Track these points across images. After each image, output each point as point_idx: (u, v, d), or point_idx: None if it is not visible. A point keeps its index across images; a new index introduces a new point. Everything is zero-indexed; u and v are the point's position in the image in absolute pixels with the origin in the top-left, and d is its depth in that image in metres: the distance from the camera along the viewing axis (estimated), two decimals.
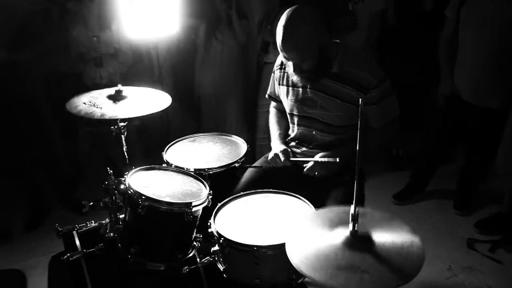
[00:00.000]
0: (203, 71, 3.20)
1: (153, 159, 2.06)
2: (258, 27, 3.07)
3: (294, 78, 1.64)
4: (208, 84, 3.21)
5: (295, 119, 1.82)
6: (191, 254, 1.46)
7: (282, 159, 1.73)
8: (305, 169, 1.66)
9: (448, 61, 2.47)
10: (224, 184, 1.89)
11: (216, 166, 1.88)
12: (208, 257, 1.50)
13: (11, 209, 2.87)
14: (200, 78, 3.26)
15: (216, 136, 2.23)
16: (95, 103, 1.73)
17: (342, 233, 1.12)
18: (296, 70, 1.60)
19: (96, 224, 1.56)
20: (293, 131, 1.87)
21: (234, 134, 3.18)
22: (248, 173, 1.88)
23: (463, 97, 2.42)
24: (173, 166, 1.89)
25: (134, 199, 1.34)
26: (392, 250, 1.06)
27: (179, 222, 1.36)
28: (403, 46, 3.06)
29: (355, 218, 1.09)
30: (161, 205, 1.34)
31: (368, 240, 1.10)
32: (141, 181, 1.45)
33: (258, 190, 1.67)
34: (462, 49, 2.38)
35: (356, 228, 1.10)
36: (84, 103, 1.73)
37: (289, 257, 1.08)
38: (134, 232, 1.42)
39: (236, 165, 1.93)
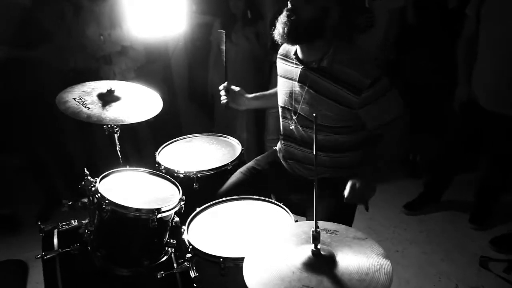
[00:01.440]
0: (216, 70, 3.18)
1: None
2: (271, 24, 2.99)
3: (278, 28, 1.52)
4: (221, 83, 3.17)
5: (284, 112, 1.73)
6: (162, 259, 1.42)
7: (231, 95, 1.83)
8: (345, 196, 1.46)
9: (467, 64, 2.29)
10: (213, 188, 1.85)
11: (206, 168, 1.84)
12: (184, 263, 1.46)
13: (26, 201, 2.97)
14: (213, 77, 3.24)
15: (213, 137, 2.19)
16: (84, 101, 1.73)
17: (306, 252, 1.04)
18: (291, 11, 1.48)
19: (77, 223, 1.56)
20: (282, 126, 1.78)
21: (246, 134, 3.19)
22: (236, 175, 1.82)
23: (481, 103, 2.23)
24: (162, 167, 1.88)
25: (100, 202, 1.32)
26: (354, 275, 0.97)
27: (144, 228, 1.33)
28: (423, 46, 2.88)
29: (316, 237, 1.01)
30: (124, 210, 1.31)
31: (331, 261, 1.01)
32: (112, 184, 1.43)
33: (241, 196, 1.61)
34: (482, 51, 2.20)
35: (318, 247, 1.02)
36: (74, 99, 1.73)
37: (244, 272, 1.02)
38: (101, 236, 1.41)
39: (228, 168, 1.89)
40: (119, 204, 1.30)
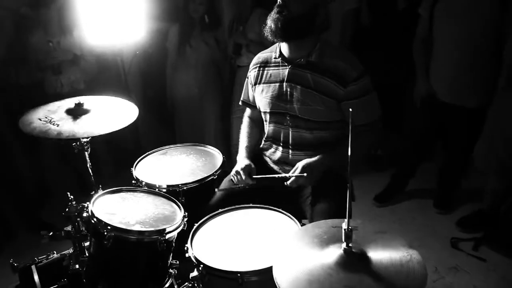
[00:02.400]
0: (176, 77, 3.06)
1: (123, 175, 1.90)
2: (229, 29, 2.96)
3: (270, 25, 1.52)
4: (182, 90, 3.07)
5: (270, 117, 1.71)
6: (167, 284, 1.31)
7: (243, 177, 1.62)
8: (288, 182, 1.54)
9: (423, 61, 2.44)
10: (200, 200, 1.76)
11: (190, 181, 1.75)
12: (186, 283, 1.36)
13: None
14: (172, 84, 3.11)
15: (189, 147, 2.09)
16: (51, 119, 1.56)
17: (334, 252, 1.02)
18: (282, 7, 1.48)
19: (58, 255, 1.38)
20: (268, 130, 1.77)
21: (213, 141, 3.10)
22: (223, 186, 1.75)
23: (439, 97, 2.40)
24: (143, 183, 1.75)
25: (99, 229, 1.18)
26: (390, 268, 0.97)
27: (152, 251, 1.22)
28: (378, 46, 3.02)
29: (348, 235, 0.99)
30: (130, 235, 1.19)
31: (364, 258, 1.00)
32: (107, 207, 1.29)
33: (237, 206, 1.55)
34: (437, 47, 2.36)
35: (350, 245, 1.00)
36: (40, 119, 1.55)
37: (277, 283, 0.97)
38: (100, 266, 1.26)
39: (213, 177, 1.81)
40: (123, 229, 1.17)
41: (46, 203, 2.85)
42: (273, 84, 1.66)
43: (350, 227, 1.00)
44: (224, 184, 1.76)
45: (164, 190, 1.71)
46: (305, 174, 1.51)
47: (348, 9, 2.89)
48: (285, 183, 1.55)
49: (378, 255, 1.01)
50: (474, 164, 2.46)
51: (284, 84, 1.61)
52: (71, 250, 1.38)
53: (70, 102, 1.70)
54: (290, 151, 1.68)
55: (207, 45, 2.91)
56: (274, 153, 1.75)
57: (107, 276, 1.23)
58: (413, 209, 2.75)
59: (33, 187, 2.84)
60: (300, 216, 1.63)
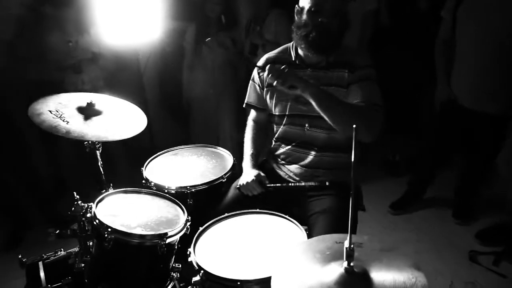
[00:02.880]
0: (192, 76, 3.06)
1: (136, 174, 1.91)
2: (246, 29, 2.94)
3: (300, 41, 1.57)
4: (198, 90, 3.08)
5: (286, 119, 1.71)
6: (170, 286, 1.31)
7: (256, 188, 1.63)
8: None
9: (444, 65, 2.35)
10: (209, 202, 1.76)
11: (199, 183, 1.74)
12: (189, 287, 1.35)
13: None
14: (188, 83, 3.12)
15: (200, 149, 2.08)
16: (61, 114, 1.56)
17: (335, 270, 0.98)
18: (321, 22, 1.51)
19: (65, 253, 1.40)
20: (279, 131, 1.76)
21: (228, 142, 3.09)
22: (233, 190, 1.73)
23: (460, 102, 2.29)
24: (152, 183, 1.75)
25: (100, 231, 1.19)
26: None
27: (152, 255, 1.22)
28: (398, 48, 2.94)
29: (350, 254, 0.95)
30: (131, 238, 1.18)
31: (366, 278, 0.96)
32: (109, 209, 1.30)
33: (243, 211, 1.52)
34: (459, 51, 2.26)
35: (351, 265, 0.96)
36: (50, 112, 1.56)
37: None
38: (101, 267, 1.27)
39: (222, 180, 1.80)
40: (124, 232, 1.17)
41: (63, 198, 2.91)
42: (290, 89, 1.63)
43: (352, 245, 0.95)
44: (232, 191, 1.74)
45: (173, 191, 1.71)
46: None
47: (367, 9, 2.82)
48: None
49: (381, 276, 0.96)
50: (498, 171, 2.35)
51: None
52: (77, 249, 1.39)
53: (81, 98, 1.69)
54: (300, 149, 1.69)
55: (223, 46, 2.90)
56: (283, 153, 1.74)
57: (108, 277, 1.24)
58: (430, 218, 2.65)
59: (50, 182, 2.91)
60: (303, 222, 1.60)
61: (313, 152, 1.67)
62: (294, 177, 1.72)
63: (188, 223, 1.35)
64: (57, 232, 1.38)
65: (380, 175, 3.11)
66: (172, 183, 1.74)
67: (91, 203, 1.29)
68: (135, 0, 2.30)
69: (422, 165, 2.74)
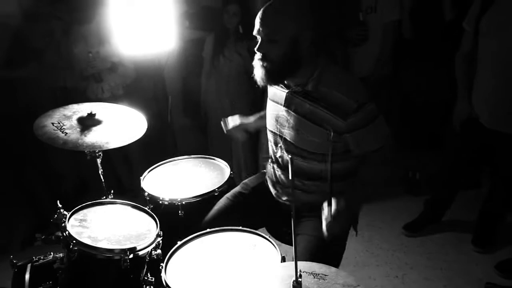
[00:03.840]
0: (209, 86, 3.12)
1: None
2: None
3: (257, 70, 1.46)
4: (214, 99, 3.12)
5: (269, 135, 1.65)
6: None
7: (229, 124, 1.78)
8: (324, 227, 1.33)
9: (465, 80, 2.19)
10: (200, 215, 1.76)
11: (191, 196, 1.75)
12: None
13: (13, 223, 2.87)
14: (206, 92, 3.17)
15: (200, 160, 2.10)
16: (62, 126, 1.65)
17: None
18: (260, 49, 1.41)
19: (51, 257, 1.47)
20: (270, 150, 1.70)
21: (241, 153, 3.10)
22: (222, 201, 1.73)
23: (482, 121, 2.13)
24: (146, 194, 1.79)
25: (68, 241, 1.23)
26: None
27: (116, 269, 1.23)
28: (420, 61, 2.80)
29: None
30: (93, 251, 1.21)
31: None
32: (84, 219, 1.34)
33: (226, 228, 1.51)
34: (481, 66, 2.10)
35: None
36: (52, 124, 1.65)
37: None
38: (70, 276, 1.31)
39: (215, 194, 1.80)
40: (87, 245, 1.21)
41: (81, 200, 3.06)
42: (276, 104, 1.60)
43: (298, 279, 0.91)
44: (220, 202, 1.73)
45: (166, 203, 1.74)
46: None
47: (388, 20, 2.72)
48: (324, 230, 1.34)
49: None
50: None
51: (282, 107, 1.53)
52: (62, 254, 1.45)
53: (85, 109, 1.77)
54: (284, 173, 1.60)
55: (240, 55, 2.92)
56: (272, 173, 1.69)
57: (75, 285, 1.28)
58: (446, 243, 2.48)
59: (72, 185, 3.06)
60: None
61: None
62: (282, 198, 1.66)
63: (159, 238, 1.36)
64: (43, 237, 1.45)
65: (397, 193, 2.97)
66: (166, 194, 1.77)
67: (65, 214, 1.34)
68: (155, 11, 2.37)
69: (440, 185, 2.57)
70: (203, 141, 3.43)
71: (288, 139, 1.53)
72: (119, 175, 3.24)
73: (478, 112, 2.15)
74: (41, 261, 1.48)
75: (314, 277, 1.03)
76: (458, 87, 2.24)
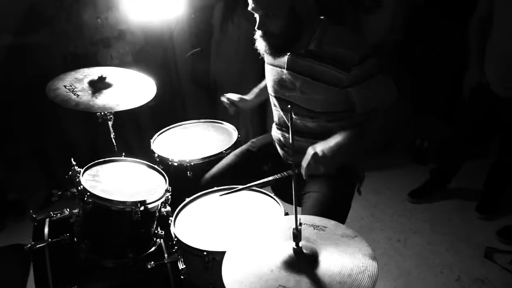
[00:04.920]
0: (218, 53, 3.10)
1: None
2: None
3: (259, 43, 1.46)
4: (223, 66, 3.12)
5: (275, 101, 1.67)
6: (150, 251, 1.41)
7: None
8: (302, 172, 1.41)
9: (478, 46, 2.15)
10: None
11: (199, 157, 1.81)
12: (175, 254, 1.44)
13: (32, 188, 3.00)
14: (216, 62, 3.17)
15: (209, 124, 2.14)
16: (74, 88, 1.70)
17: (288, 249, 1.00)
18: (260, 27, 1.41)
19: (68, 213, 1.55)
20: (275, 115, 1.73)
21: (249, 118, 3.13)
22: (229, 157, 1.78)
23: (493, 88, 2.11)
24: (156, 155, 1.85)
25: (82, 194, 1.30)
26: (336, 276, 0.92)
27: (128, 221, 1.31)
28: (433, 29, 2.73)
29: (296, 235, 0.96)
30: (106, 203, 1.29)
31: (313, 260, 0.97)
32: (97, 175, 1.41)
33: (230, 186, 1.56)
34: (495, 31, 2.05)
35: (300, 246, 0.97)
36: (64, 87, 1.70)
37: (222, 268, 0.99)
38: (85, 227, 1.40)
39: (222, 155, 1.85)
40: (101, 197, 1.28)
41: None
42: (276, 68, 1.61)
43: (298, 227, 0.96)
44: (229, 157, 1.78)
45: (176, 164, 1.80)
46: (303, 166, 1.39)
47: None
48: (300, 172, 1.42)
49: (331, 260, 0.97)
50: None
51: (285, 71, 1.54)
52: (77, 210, 1.53)
53: (96, 72, 1.81)
54: (294, 137, 1.63)
55: (249, 22, 2.88)
56: (280, 137, 1.73)
57: (90, 237, 1.37)
58: (451, 210, 2.52)
59: (84, 152, 3.16)
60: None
61: (302, 139, 1.60)
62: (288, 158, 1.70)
63: (168, 193, 1.43)
64: (59, 193, 1.53)
65: (404, 161, 2.99)
66: (175, 156, 1.83)
67: (80, 170, 1.41)
68: None
69: (448, 153, 2.58)
70: (213, 107, 3.46)
71: (295, 102, 1.55)
72: (129, 139, 3.32)
73: (489, 78, 2.12)
74: (58, 216, 1.56)
75: (314, 229, 1.08)
76: (471, 53, 2.21)
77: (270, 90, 1.66)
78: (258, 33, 1.46)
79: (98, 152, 3.24)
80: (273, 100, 1.68)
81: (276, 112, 1.70)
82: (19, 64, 2.75)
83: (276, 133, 1.75)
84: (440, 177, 2.62)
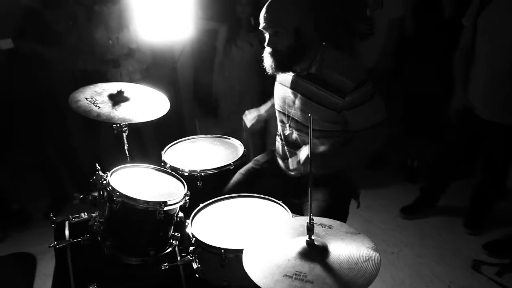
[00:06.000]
0: (221, 74, 3.27)
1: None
2: None
3: (266, 59, 1.64)
4: (225, 88, 3.28)
5: (278, 115, 1.84)
6: (167, 251, 1.51)
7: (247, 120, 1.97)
8: (290, 167, 1.63)
9: (462, 74, 2.37)
10: (217, 185, 1.94)
11: (209, 168, 1.93)
12: (188, 256, 1.54)
13: (35, 197, 3.07)
14: (218, 81, 3.33)
15: (216, 139, 2.28)
16: (95, 100, 1.82)
17: (301, 243, 1.12)
18: (269, 44, 1.60)
19: (86, 216, 1.65)
20: (279, 127, 1.89)
21: (249, 136, 3.27)
22: (236, 176, 1.91)
23: (477, 112, 2.31)
24: (168, 165, 1.97)
25: (111, 194, 1.42)
26: (345, 264, 1.05)
27: (152, 219, 1.42)
28: (421, 55, 2.97)
29: (310, 228, 1.09)
30: (133, 202, 1.40)
31: (324, 251, 1.09)
32: (122, 179, 1.53)
33: (242, 194, 1.69)
34: (478, 60, 2.28)
35: (312, 238, 1.10)
36: (86, 99, 1.83)
37: (244, 261, 1.10)
38: (110, 226, 1.50)
39: (230, 167, 1.98)
40: (129, 196, 1.40)
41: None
42: (283, 86, 1.78)
43: (312, 221, 1.09)
44: (236, 176, 1.91)
45: (186, 174, 1.92)
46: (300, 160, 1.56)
47: (393, 17, 2.88)
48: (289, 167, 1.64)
49: (339, 251, 1.10)
50: (506, 185, 2.33)
51: (289, 89, 1.72)
52: (96, 213, 1.64)
53: (113, 87, 1.94)
54: (292, 150, 1.78)
55: (251, 45, 3.07)
56: (280, 150, 1.87)
57: (115, 235, 1.48)
58: (440, 226, 2.67)
59: (88, 162, 3.24)
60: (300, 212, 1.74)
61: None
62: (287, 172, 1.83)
63: (187, 197, 1.55)
64: (81, 197, 1.64)
65: (397, 179, 3.16)
66: (186, 166, 1.95)
67: (107, 173, 1.53)
68: (172, 1, 2.53)
69: (436, 172, 2.76)
70: (211, 126, 3.60)
71: (295, 118, 1.72)
72: (132, 154, 3.43)
73: (473, 103, 2.32)
74: (76, 219, 1.65)
75: (322, 227, 1.21)
76: (456, 80, 2.42)
77: (276, 105, 1.83)
78: (266, 50, 1.65)
79: (100, 161, 3.34)
80: (278, 115, 1.84)
81: (279, 125, 1.86)
82: (31, 76, 2.85)
83: (278, 145, 1.90)
84: (430, 195, 2.78)
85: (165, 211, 1.42)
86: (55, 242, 1.51)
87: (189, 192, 1.56)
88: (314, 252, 1.09)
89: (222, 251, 1.33)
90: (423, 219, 2.73)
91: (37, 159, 3.10)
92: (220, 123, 3.47)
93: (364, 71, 1.62)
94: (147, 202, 1.40)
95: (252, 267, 1.08)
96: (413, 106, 3.26)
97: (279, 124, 1.88)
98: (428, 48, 2.88)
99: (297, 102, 1.69)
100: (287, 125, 1.78)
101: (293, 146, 1.78)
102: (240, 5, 2.95)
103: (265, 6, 1.59)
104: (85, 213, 1.70)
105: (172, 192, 1.53)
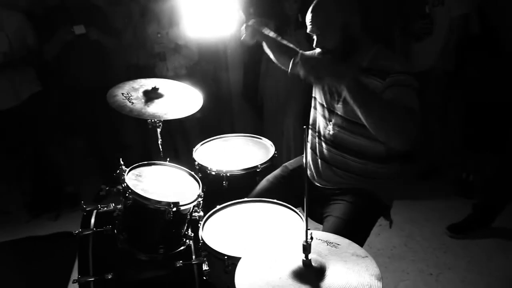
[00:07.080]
0: (267, 71, 3.25)
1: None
2: None
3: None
4: (271, 86, 3.26)
5: (317, 106, 1.76)
6: (179, 250, 1.53)
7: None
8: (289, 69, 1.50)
9: None
10: (242, 187, 1.92)
11: (235, 169, 1.92)
12: (201, 256, 1.55)
13: (88, 181, 3.31)
14: (264, 79, 3.32)
15: (249, 138, 2.26)
16: (130, 96, 1.90)
17: (298, 261, 1.06)
18: (317, 45, 1.57)
19: (113, 207, 1.73)
20: (312, 116, 1.81)
21: (292, 136, 3.22)
22: (263, 183, 1.87)
23: None
24: (196, 163, 1.99)
25: (125, 191, 1.46)
26: None
27: (161, 219, 1.44)
28: (486, 58, 2.66)
29: (306, 247, 1.02)
30: (144, 201, 1.44)
31: (320, 273, 1.02)
32: (140, 175, 1.57)
33: (262, 199, 1.65)
34: None
35: (309, 258, 1.04)
36: (122, 94, 1.91)
37: (236, 272, 1.07)
38: (124, 220, 1.55)
39: (257, 170, 1.94)
40: (140, 195, 1.44)
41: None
42: None
43: (309, 240, 1.02)
44: (262, 183, 1.87)
45: (213, 173, 1.93)
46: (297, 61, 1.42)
47: (457, 14, 2.62)
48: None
49: (337, 276, 1.02)
50: None
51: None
52: (120, 206, 1.71)
53: (150, 83, 2.00)
54: (326, 146, 1.69)
55: (298, 43, 2.99)
56: (311, 140, 1.79)
57: (128, 229, 1.53)
58: (491, 250, 2.39)
59: (137, 153, 3.42)
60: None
61: (334, 150, 1.66)
62: (314, 172, 1.76)
63: (200, 198, 1.55)
64: (107, 188, 1.72)
65: (447, 193, 2.89)
66: (214, 165, 1.96)
67: (125, 169, 1.58)
68: None
69: (495, 188, 2.46)
70: (258, 123, 3.60)
71: (341, 113, 1.62)
72: (178, 147, 3.55)
73: None
74: (104, 209, 1.74)
75: (327, 245, 1.13)
76: None
77: (318, 97, 1.76)
78: (316, 50, 1.61)
79: (149, 154, 3.51)
80: (316, 104, 1.77)
81: (314, 115, 1.79)
82: (87, 68, 3.05)
83: (310, 137, 1.82)
84: (484, 213, 2.50)
85: (175, 211, 1.44)
86: (80, 230, 1.60)
87: (202, 194, 1.56)
88: (309, 274, 1.02)
89: (226, 257, 1.31)
90: (472, 240, 2.46)
91: (91, 146, 3.34)
92: (265, 121, 3.46)
93: (412, 69, 1.53)
94: (158, 202, 1.43)
95: (243, 280, 1.04)
96: (475, 115, 2.95)
97: (319, 119, 1.76)
98: (495, 51, 2.56)
99: (343, 95, 1.56)
100: (329, 120, 1.68)
101: (330, 144, 1.69)
102: (288, 2, 2.90)
103: (310, 8, 1.57)
104: (113, 204, 1.78)
105: (185, 193, 1.54)
